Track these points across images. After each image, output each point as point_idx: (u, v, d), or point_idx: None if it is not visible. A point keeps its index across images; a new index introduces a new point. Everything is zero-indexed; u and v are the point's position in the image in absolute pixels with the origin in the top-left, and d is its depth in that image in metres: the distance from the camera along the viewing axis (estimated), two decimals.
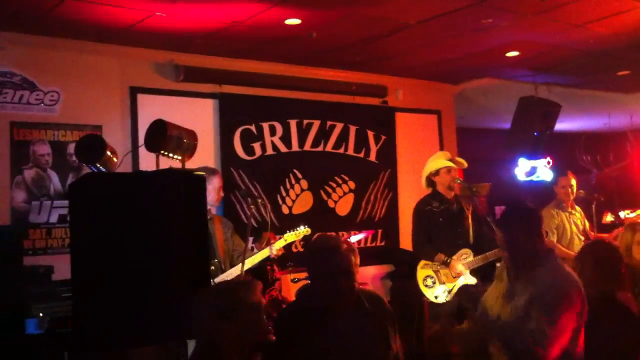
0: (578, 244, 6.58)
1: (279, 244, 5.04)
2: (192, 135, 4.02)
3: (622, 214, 9.04)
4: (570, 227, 6.65)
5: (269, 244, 5.12)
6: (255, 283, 2.77)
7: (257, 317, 2.68)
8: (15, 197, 5.83)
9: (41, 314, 4.75)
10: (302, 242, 7.13)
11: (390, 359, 3.09)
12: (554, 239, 6.51)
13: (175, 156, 3.95)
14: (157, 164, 3.94)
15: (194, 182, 3.61)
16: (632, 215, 8.87)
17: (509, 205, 3.66)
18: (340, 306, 3.04)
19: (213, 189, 4.91)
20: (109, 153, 4.01)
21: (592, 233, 6.81)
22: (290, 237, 5.18)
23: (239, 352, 2.63)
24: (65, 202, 5.91)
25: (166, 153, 3.91)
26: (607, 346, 3.45)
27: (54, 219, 5.97)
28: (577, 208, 6.85)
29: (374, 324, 3.08)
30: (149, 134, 3.94)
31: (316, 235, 3.26)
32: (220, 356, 2.61)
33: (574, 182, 6.77)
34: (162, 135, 3.84)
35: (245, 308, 2.64)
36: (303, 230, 5.24)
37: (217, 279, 4.69)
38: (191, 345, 4.50)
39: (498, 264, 5.45)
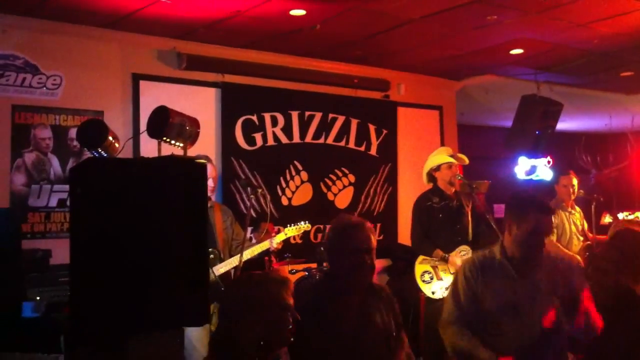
0: (577, 244, 6.60)
1: (279, 238, 5.05)
2: (194, 123, 4.01)
3: (620, 216, 9.05)
4: (569, 227, 6.65)
5: (267, 234, 5.12)
6: (289, 283, 2.76)
7: (282, 316, 2.66)
8: (15, 181, 5.82)
9: (38, 298, 4.75)
10: (300, 235, 7.15)
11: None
12: (554, 238, 6.51)
13: (178, 143, 3.94)
14: (159, 151, 3.93)
15: (196, 170, 3.61)
16: (631, 217, 8.87)
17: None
18: (362, 283, 3.19)
19: None
20: (110, 138, 4.00)
21: (591, 234, 6.81)
22: (290, 231, 5.19)
23: (255, 347, 2.60)
24: (65, 187, 5.90)
25: (168, 140, 3.89)
26: (623, 339, 3.46)
27: (53, 203, 5.96)
28: (577, 208, 6.85)
29: (387, 306, 3.26)
30: (151, 121, 3.93)
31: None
32: (235, 347, 2.59)
33: (575, 181, 6.76)
34: (164, 122, 3.83)
35: (273, 305, 2.62)
36: (304, 226, 5.26)
37: (216, 268, 4.70)
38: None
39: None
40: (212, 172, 5.07)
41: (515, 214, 3.45)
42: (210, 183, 5.01)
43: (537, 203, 3.44)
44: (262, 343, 2.60)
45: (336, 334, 3.08)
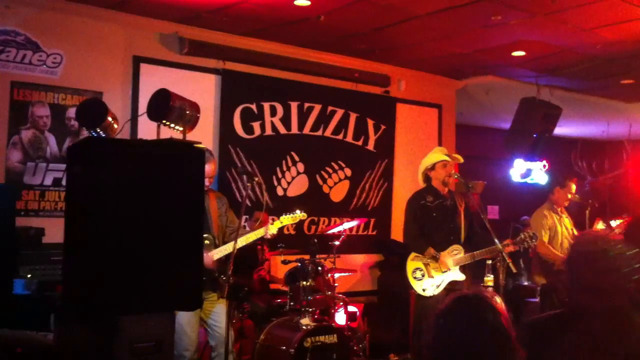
0: (568, 246, 6.60)
1: (275, 226, 5.01)
2: (195, 107, 3.97)
3: (613, 223, 9.05)
4: (561, 229, 6.66)
5: (261, 224, 5.10)
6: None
7: None
8: (11, 157, 5.78)
9: (29, 276, 4.74)
10: (294, 225, 7.15)
11: None
12: (546, 239, 6.51)
13: (177, 127, 3.90)
14: (158, 134, 3.90)
15: (194, 155, 3.61)
16: (617, 222, 8.87)
17: None
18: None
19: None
20: (110, 119, 3.96)
21: None
22: (286, 220, 5.14)
23: None
24: (61, 166, 5.88)
25: (168, 123, 3.86)
26: None
27: (48, 181, 5.93)
28: (566, 213, 6.86)
29: None
30: (152, 103, 3.89)
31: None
32: None
33: (574, 188, 6.77)
34: (165, 105, 3.80)
35: None
36: (299, 215, 5.21)
37: (211, 254, 4.68)
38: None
39: (489, 262, 5.49)
40: (211, 171, 4.90)
41: None
42: (206, 182, 4.78)
43: None
44: None
45: None
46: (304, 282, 5.58)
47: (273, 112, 7.27)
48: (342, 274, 6.45)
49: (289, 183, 7.37)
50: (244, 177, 5.85)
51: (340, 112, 7.78)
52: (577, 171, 10.42)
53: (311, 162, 7.53)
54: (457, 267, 5.55)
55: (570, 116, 9.23)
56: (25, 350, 4.00)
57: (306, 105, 7.52)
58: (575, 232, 6.82)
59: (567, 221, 6.80)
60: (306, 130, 7.52)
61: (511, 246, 5.49)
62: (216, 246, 4.79)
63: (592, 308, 2.51)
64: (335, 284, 5.91)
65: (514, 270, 5.45)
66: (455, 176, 5.76)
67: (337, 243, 6.28)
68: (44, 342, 4.01)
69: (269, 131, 7.24)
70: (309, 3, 5.88)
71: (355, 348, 5.89)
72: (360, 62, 7.90)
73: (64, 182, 5.78)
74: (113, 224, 3.27)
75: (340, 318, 6.07)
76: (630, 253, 2.54)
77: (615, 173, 10.73)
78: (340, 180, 7.79)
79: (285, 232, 6.99)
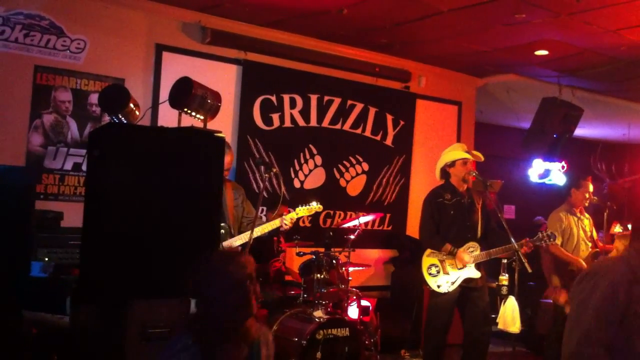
0: (585, 249, 6.52)
1: (290, 217, 5.03)
2: (216, 97, 4.00)
3: (630, 227, 8.94)
4: (577, 232, 6.53)
5: (280, 215, 5.11)
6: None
7: None
8: (32, 141, 5.84)
9: (46, 259, 4.77)
10: (310, 218, 7.16)
11: None
12: (558, 242, 6.40)
13: (198, 115, 3.93)
14: (179, 122, 3.94)
15: (214, 143, 3.63)
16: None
17: None
18: None
19: None
20: (132, 105, 4.00)
21: (601, 243, 6.70)
22: (302, 211, 5.17)
23: None
24: (81, 151, 5.93)
25: (189, 111, 3.89)
26: None
27: (68, 166, 5.99)
28: (586, 214, 6.74)
29: None
30: (174, 91, 3.93)
31: None
32: None
33: (591, 187, 6.65)
34: (187, 93, 3.83)
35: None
36: (315, 207, 5.23)
37: (226, 243, 4.71)
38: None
39: (504, 261, 5.47)
40: (228, 163, 4.94)
41: None
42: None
43: None
44: None
45: None
46: (318, 275, 5.60)
47: (293, 104, 7.27)
48: (356, 268, 6.45)
49: (306, 175, 7.38)
50: (262, 168, 5.86)
51: (359, 106, 7.77)
52: (596, 173, 10.33)
53: (329, 155, 7.53)
54: (473, 264, 5.55)
55: (591, 117, 9.15)
56: (40, 332, 4.04)
57: (326, 98, 7.52)
58: (595, 235, 6.74)
59: (586, 222, 6.65)
60: (325, 123, 7.52)
61: (527, 245, 5.46)
62: (231, 235, 4.81)
63: None
64: (349, 278, 5.92)
65: (530, 270, 5.42)
66: (474, 174, 5.73)
67: (352, 237, 6.28)
68: (59, 325, 4.05)
69: (288, 123, 7.25)
70: None
71: (366, 342, 5.89)
72: (381, 56, 7.88)
73: (84, 167, 5.82)
74: (131, 209, 3.30)
75: (353, 312, 6.08)
76: None
77: (635, 176, 10.64)
78: (357, 174, 7.78)
79: (301, 224, 7.00)
